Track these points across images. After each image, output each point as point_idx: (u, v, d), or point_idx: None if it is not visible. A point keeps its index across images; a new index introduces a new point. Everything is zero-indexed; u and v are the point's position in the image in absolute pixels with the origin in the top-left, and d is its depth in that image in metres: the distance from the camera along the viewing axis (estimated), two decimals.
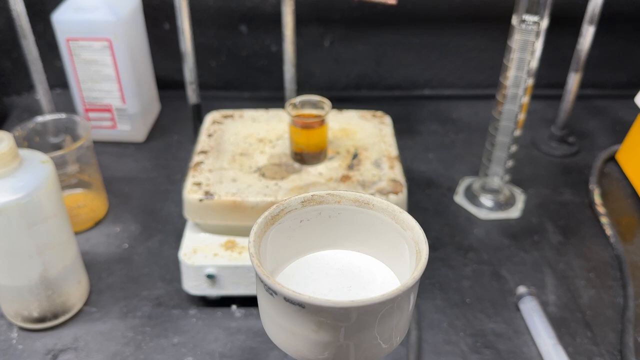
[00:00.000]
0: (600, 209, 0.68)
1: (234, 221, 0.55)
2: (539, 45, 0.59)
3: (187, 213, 0.56)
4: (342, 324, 0.30)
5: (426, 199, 0.72)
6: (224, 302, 0.57)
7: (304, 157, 0.58)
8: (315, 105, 0.57)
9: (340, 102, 0.79)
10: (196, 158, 0.59)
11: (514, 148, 0.66)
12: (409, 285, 0.30)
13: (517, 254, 0.63)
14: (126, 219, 0.68)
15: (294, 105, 0.57)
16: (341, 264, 0.38)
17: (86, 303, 0.58)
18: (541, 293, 0.58)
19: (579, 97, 0.82)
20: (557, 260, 0.63)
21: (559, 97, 0.80)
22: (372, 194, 0.38)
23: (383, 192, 0.54)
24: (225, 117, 0.66)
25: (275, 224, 0.36)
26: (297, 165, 0.58)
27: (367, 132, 0.63)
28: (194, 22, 0.73)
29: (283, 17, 0.69)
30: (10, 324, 0.56)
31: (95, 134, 0.80)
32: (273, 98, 0.87)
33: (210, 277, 0.54)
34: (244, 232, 0.56)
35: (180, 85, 0.82)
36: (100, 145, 0.80)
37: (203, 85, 0.86)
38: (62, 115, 0.65)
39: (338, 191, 0.37)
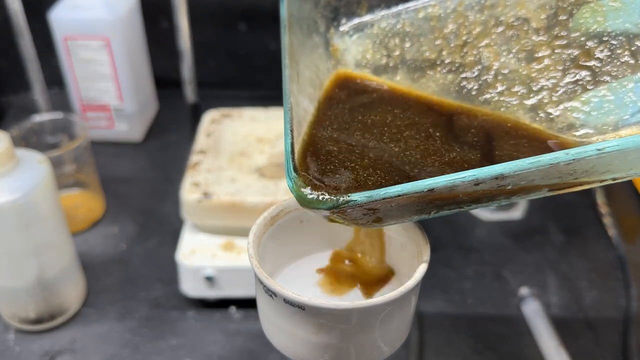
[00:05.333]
0: (603, 210, 0.68)
1: (233, 222, 0.54)
2: None
3: (185, 213, 0.55)
4: (342, 326, 0.30)
5: None
6: (223, 303, 0.57)
7: None
8: None
9: None
10: (194, 158, 0.59)
11: None
12: (410, 287, 0.30)
13: (519, 255, 0.63)
14: (124, 220, 0.68)
15: None
16: None
17: (83, 304, 0.57)
18: (543, 294, 0.58)
19: None
20: (559, 261, 0.62)
21: None
22: None
23: None
24: (224, 116, 0.65)
25: (274, 224, 0.35)
26: None
27: None
28: (192, 20, 0.72)
29: None
30: (7, 326, 0.55)
31: (92, 133, 0.79)
32: (272, 97, 0.86)
33: (209, 278, 0.53)
34: (243, 232, 0.55)
35: (178, 84, 0.81)
36: (97, 145, 0.79)
37: (201, 84, 0.85)
38: (60, 115, 0.64)
39: None
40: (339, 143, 0.31)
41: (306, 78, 0.33)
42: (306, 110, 0.32)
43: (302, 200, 0.29)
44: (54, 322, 0.55)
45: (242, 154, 0.59)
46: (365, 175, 0.29)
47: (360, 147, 0.31)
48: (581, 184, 0.25)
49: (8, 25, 0.69)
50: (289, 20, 0.32)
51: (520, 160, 0.24)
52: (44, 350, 0.53)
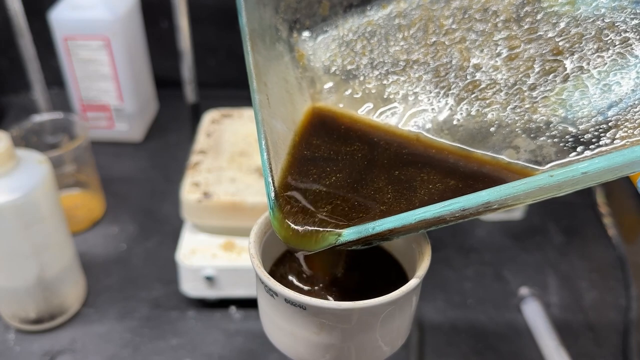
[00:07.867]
0: (603, 209, 0.68)
1: (233, 222, 0.54)
2: None
3: (185, 214, 0.55)
4: (343, 325, 0.30)
5: None
6: (223, 303, 0.57)
7: None
8: None
9: None
10: (194, 158, 0.59)
11: None
12: (412, 287, 0.30)
13: (519, 255, 0.63)
14: (124, 220, 0.68)
15: None
16: None
17: (84, 304, 0.57)
18: (543, 294, 0.58)
19: None
20: (559, 261, 0.62)
21: None
22: None
23: None
24: (224, 116, 0.65)
25: None
26: None
27: None
28: (192, 20, 0.72)
29: None
30: (7, 326, 0.55)
31: (92, 133, 0.79)
32: None
33: (209, 278, 0.53)
34: (243, 232, 0.55)
35: (178, 84, 0.81)
36: (97, 145, 0.79)
37: (201, 84, 0.85)
38: (60, 115, 0.64)
39: None
40: (315, 183, 0.31)
41: (277, 98, 0.32)
42: (280, 133, 0.32)
43: (289, 240, 0.29)
44: (54, 322, 0.55)
45: (242, 154, 0.59)
46: (346, 211, 0.30)
47: (336, 189, 0.31)
48: (565, 192, 0.26)
49: (8, 25, 0.69)
50: (251, 36, 0.31)
51: (505, 185, 0.24)
52: (44, 350, 0.53)
